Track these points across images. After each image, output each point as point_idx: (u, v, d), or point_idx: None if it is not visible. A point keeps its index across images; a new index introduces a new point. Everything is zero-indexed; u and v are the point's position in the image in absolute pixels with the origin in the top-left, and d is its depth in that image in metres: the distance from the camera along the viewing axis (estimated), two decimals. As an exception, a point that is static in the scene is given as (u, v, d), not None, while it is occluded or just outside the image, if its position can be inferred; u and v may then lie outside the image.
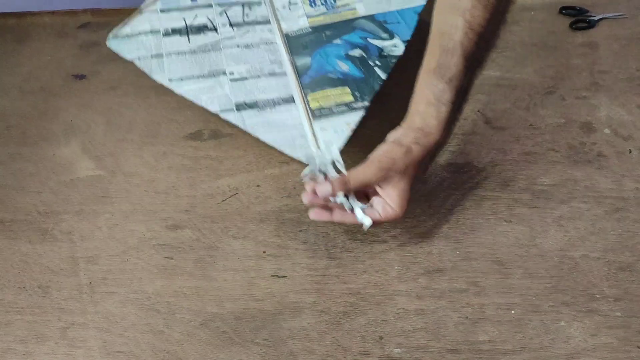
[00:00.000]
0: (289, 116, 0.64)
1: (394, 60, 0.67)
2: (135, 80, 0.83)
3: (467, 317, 0.54)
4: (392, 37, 0.68)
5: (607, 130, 0.70)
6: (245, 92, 0.65)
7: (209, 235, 0.63)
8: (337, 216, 0.57)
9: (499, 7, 0.54)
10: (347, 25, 0.70)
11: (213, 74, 0.66)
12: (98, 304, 0.58)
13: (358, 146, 0.62)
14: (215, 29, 0.69)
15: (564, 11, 0.87)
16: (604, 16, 0.85)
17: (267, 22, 0.70)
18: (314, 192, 0.56)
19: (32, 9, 0.98)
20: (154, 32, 0.69)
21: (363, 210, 0.56)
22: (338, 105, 0.63)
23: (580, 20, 0.85)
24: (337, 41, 0.68)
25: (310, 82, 0.65)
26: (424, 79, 0.56)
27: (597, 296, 0.55)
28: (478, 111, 0.73)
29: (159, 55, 0.67)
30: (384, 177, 0.55)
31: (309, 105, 0.63)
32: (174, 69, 0.67)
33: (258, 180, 0.68)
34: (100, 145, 0.75)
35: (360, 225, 0.57)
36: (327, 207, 0.57)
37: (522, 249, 0.59)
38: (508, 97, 0.75)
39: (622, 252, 0.58)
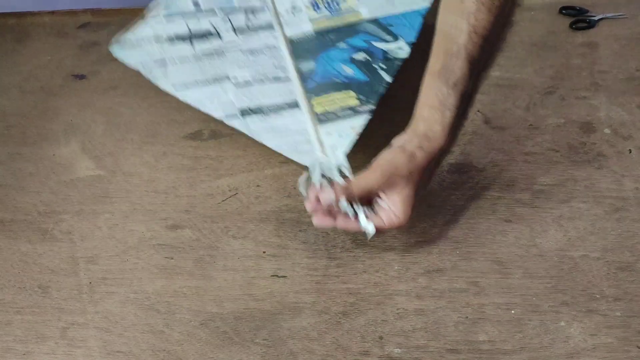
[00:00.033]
0: (293, 121, 0.63)
1: (399, 63, 0.66)
2: (135, 80, 0.83)
3: (467, 317, 0.54)
4: (396, 39, 0.68)
5: (607, 130, 0.70)
6: (249, 97, 0.65)
7: (208, 235, 0.63)
8: (341, 223, 0.56)
9: (504, 10, 0.53)
10: (351, 29, 0.70)
11: (217, 80, 0.65)
12: (98, 303, 0.58)
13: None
14: (219, 35, 0.69)
15: (564, 11, 0.87)
16: (604, 16, 0.85)
17: (271, 27, 0.70)
18: (317, 199, 0.55)
19: (32, 9, 0.98)
20: (157, 38, 0.69)
21: (366, 217, 0.55)
22: (343, 109, 0.63)
23: (580, 20, 0.85)
24: (341, 45, 0.68)
25: (314, 86, 0.65)
26: (428, 82, 0.55)
27: (597, 296, 0.55)
28: (478, 111, 0.73)
29: (162, 62, 0.67)
30: (388, 184, 0.54)
31: (313, 109, 0.63)
32: (178, 76, 0.66)
33: (258, 180, 0.68)
34: (100, 145, 0.75)
35: (364, 232, 0.56)
36: (330, 212, 0.57)
37: (522, 249, 0.59)
38: (508, 97, 0.75)
39: (621, 252, 0.58)
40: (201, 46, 0.68)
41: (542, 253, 0.58)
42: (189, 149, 0.73)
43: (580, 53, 0.80)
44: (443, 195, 0.64)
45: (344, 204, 0.55)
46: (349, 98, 0.63)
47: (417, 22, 0.69)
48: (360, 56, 0.66)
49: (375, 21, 0.70)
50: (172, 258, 0.62)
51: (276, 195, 0.66)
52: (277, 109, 0.64)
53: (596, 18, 0.85)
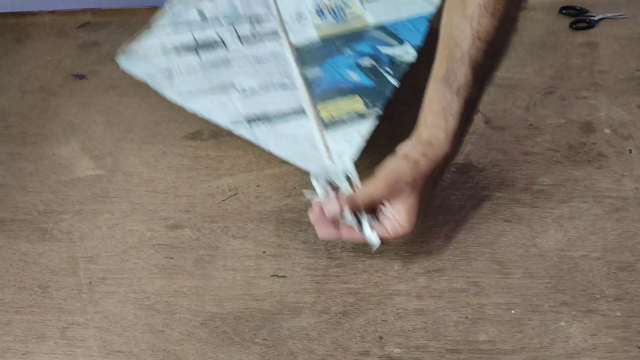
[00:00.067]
0: (300, 129, 0.63)
1: (405, 67, 0.66)
2: (135, 80, 0.83)
3: (467, 317, 0.54)
4: (402, 43, 0.67)
5: (607, 130, 0.70)
6: (256, 106, 0.65)
7: (208, 234, 0.63)
8: (345, 234, 0.56)
9: (508, 15, 0.52)
10: (357, 36, 0.69)
11: (223, 89, 0.65)
12: (98, 303, 0.58)
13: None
14: (225, 45, 0.69)
15: (564, 11, 0.87)
16: (604, 16, 0.85)
17: (276, 35, 0.70)
18: (321, 210, 0.55)
19: (32, 9, 0.98)
20: (163, 48, 0.69)
21: (371, 228, 0.55)
22: (349, 114, 0.62)
23: (580, 20, 0.85)
24: (347, 51, 0.67)
25: (320, 93, 0.65)
26: (432, 88, 0.54)
27: (597, 296, 0.55)
28: (478, 111, 0.73)
29: (168, 72, 0.67)
30: (392, 193, 0.54)
31: (319, 115, 0.63)
32: (184, 86, 0.66)
33: (258, 180, 0.68)
34: (100, 145, 0.75)
35: (368, 243, 0.56)
36: (334, 223, 0.56)
37: (522, 249, 0.59)
38: (508, 97, 0.75)
39: (622, 252, 0.58)
40: (207, 56, 0.68)
41: (542, 253, 0.58)
42: (189, 149, 0.73)
43: (580, 53, 0.80)
44: (443, 195, 0.64)
45: (348, 215, 0.54)
46: (355, 103, 0.63)
47: (423, 27, 0.69)
48: (366, 61, 0.66)
49: (381, 27, 0.70)
50: (172, 258, 0.61)
51: (276, 195, 0.66)
52: (284, 116, 0.63)
53: (596, 18, 0.85)
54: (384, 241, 0.55)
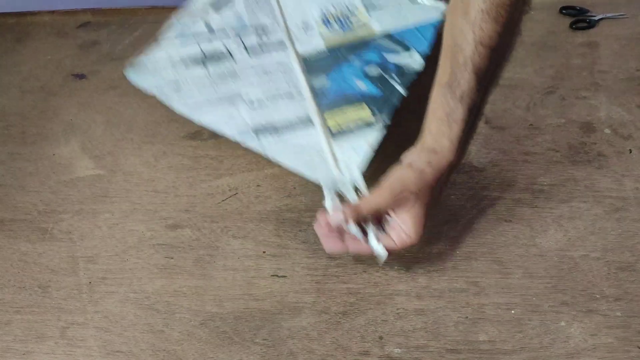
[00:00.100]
0: (308, 139, 0.62)
1: (413, 75, 0.65)
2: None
3: (467, 317, 0.54)
4: (409, 51, 0.67)
5: (607, 130, 0.70)
6: (263, 117, 0.64)
7: (208, 234, 0.63)
8: (351, 246, 0.55)
9: (511, 19, 0.51)
10: (364, 44, 0.69)
11: (231, 101, 0.65)
12: (98, 303, 0.58)
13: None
14: (232, 56, 0.69)
15: (564, 11, 0.87)
16: (604, 16, 0.85)
17: (283, 45, 0.69)
18: (327, 223, 0.54)
19: (32, 9, 0.98)
20: (171, 61, 0.69)
21: (377, 239, 0.54)
22: (356, 123, 0.62)
23: (580, 20, 0.85)
24: (354, 59, 0.67)
25: (327, 102, 0.64)
26: (435, 96, 0.54)
27: (597, 296, 0.55)
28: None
29: (177, 85, 0.67)
30: (397, 202, 0.53)
31: (326, 124, 0.62)
32: (192, 98, 0.66)
33: (258, 179, 0.68)
34: (100, 145, 0.75)
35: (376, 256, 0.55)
36: (341, 236, 0.55)
37: (522, 249, 0.59)
38: (508, 97, 0.75)
39: (622, 252, 0.58)
40: (214, 68, 0.68)
41: (542, 253, 0.58)
42: (189, 149, 0.73)
43: (580, 53, 0.80)
44: (443, 195, 0.64)
45: (352, 227, 0.54)
46: (362, 111, 0.63)
47: (430, 34, 0.68)
48: (373, 70, 0.65)
49: (388, 35, 0.69)
50: (172, 258, 0.61)
51: (276, 195, 0.66)
52: (291, 126, 0.63)
53: (596, 18, 0.85)
54: (391, 252, 0.55)
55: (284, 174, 0.68)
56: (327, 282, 0.58)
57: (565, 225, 0.60)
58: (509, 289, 0.56)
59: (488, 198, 0.64)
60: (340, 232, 0.55)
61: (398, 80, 0.64)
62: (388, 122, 0.62)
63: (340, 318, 0.55)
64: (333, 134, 0.61)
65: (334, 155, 0.60)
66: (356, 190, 0.57)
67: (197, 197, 0.67)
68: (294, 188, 0.66)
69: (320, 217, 0.55)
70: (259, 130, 0.62)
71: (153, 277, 0.60)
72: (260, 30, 0.70)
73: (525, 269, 0.57)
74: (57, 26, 0.95)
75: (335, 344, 0.53)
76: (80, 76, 0.86)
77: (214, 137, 0.73)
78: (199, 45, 0.70)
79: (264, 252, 0.61)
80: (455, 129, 0.52)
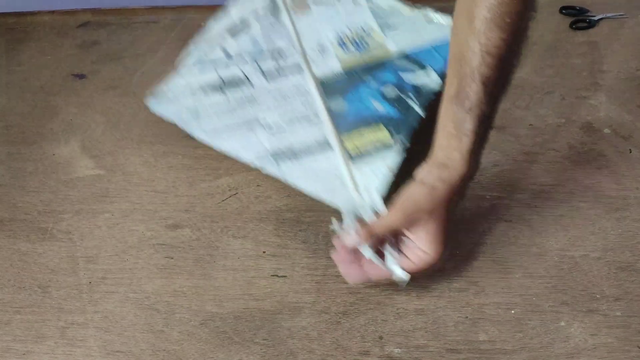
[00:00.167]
0: (327, 163, 0.62)
1: (430, 95, 0.64)
2: (135, 79, 0.83)
3: (467, 317, 0.54)
4: (425, 69, 0.66)
5: (607, 130, 0.70)
6: (282, 142, 0.64)
7: (208, 234, 0.63)
8: (371, 272, 0.53)
9: (518, 27, 0.49)
10: (380, 64, 0.68)
11: (249, 126, 0.65)
12: (97, 303, 0.58)
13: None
14: (250, 81, 0.69)
15: (564, 11, 0.87)
16: (604, 16, 0.85)
17: (300, 69, 0.69)
18: (344, 252, 0.53)
19: (32, 9, 0.98)
20: (190, 88, 0.69)
21: (395, 261, 0.53)
22: (375, 145, 0.61)
23: (580, 20, 0.85)
24: (370, 80, 0.66)
25: (345, 125, 0.64)
26: (444, 109, 0.52)
27: (597, 296, 0.55)
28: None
29: (196, 112, 0.67)
30: (411, 221, 0.52)
31: (344, 146, 0.62)
32: (211, 125, 0.66)
33: (258, 179, 0.68)
34: (100, 145, 0.75)
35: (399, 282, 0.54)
36: (359, 262, 0.54)
37: (522, 249, 0.59)
38: (508, 97, 0.74)
39: (622, 251, 0.58)
40: (233, 94, 0.68)
41: (542, 253, 0.58)
42: (189, 149, 0.73)
43: (580, 53, 0.80)
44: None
45: (366, 250, 0.53)
46: (380, 132, 0.62)
47: (447, 53, 0.68)
48: (390, 91, 0.65)
49: (404, 55, 0.68)
50: (171, 257, 0.61)
51: (276, 195, 0.66)
52: (309, 150, 0.62)
53: (596, 18, 0.85)
54: (412, 273, 0.53)
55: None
56: (327, 282, 0.58)
57: (565, 225, 0.60)
58: (509, 289, 0.56)
59: (488, 198, 0.64)
60: (359, 259, 0.53)
61: (415, 101, 0.63)
62: (407, 143, 0.61)
63: (340, 318, 0.55)
64: (352, 157, 0.61)
65: (353, 179, 0.59)
66: (376, 214, 0.56)
67: (197, 197, 0.67)
68: (294, 188, 0.66)
69: (336, 242, 0.54)
70: (277, 156, 0.62)
71: (153, 277, 0.60)
72: (277, 54, 0.70)
73: (525, 269, 0.57)
74: (57, 26, 0.95)
75: (335, 344, 0.53)
76: (80, 76, 0.86)
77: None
78: (216, 71, 0.70)
79: (264, 252, 0.61)
80: (465, 142, 0.51)
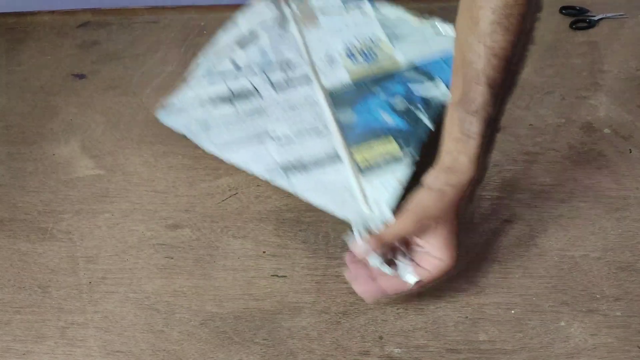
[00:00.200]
0: (336, 176, 0.61)
1: (439, 107, 0.64)
2: (135, 79, 0.83)
3: (467, 317, 0.54)
4: (434, 81, 0.66)
5: (607, 130, 0.70)
6: (291, 154, 0.64)
7: (208, 234, 0.63)
8: (385, 284, 0.52)
9: (524, 28, 0.49)
10: (388, 76, 0.68)
11: (259, 139, 0.65)
12: (97, 303, 0.58)
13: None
14: (259, 93, 0.69)
15: (564, 11, 0.87)
16: (604, 16, 0.85)
17: (308, 80, 0.69)
18: (356, 268, 0.53)
19: (32, 9, 0.98)
20: (199, 100, 0.69)
21: (408, 268, 0.52)
22: (384, 157, 0.60)
23: (580, 20, 0.85)
24: (379, 92, 0.66)
25: (355, 137, 0.63)
26: (450, 113, 0.52)
27: (597, 296, 0.55)
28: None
29: (206, 125, 0.67)
30: (421, 228, 0.51)
31: (354, 158, 0.62)
32: (221, 137, 0.66)
33: (258, 179, 0.68)
34: (100, 145, 0.75)
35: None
36: (372, 276, 0.53)
37: (522, 249, 0.59)
38: (508, 97, 0.75)
39: (622, 251, 0.58)
40: (242, 105, 0.68)
41: (542, 253, 0.58)
42: (189, 149, 0.72)
43: (580, 53, 0.80)
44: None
45: (374, 259, 0.52)
46: (389, 145, 0.61)
47: None
48: (399, 102, 0.64)
49: (413, 66, 0.68)
50: (171, 257, 0.61)
51: (276, 195, 0.66)
52: (319, 162, 0.62)
53: (596, 18, 0.85)
54: (429, 283, 0.52)
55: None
56: (327, 282, 0.58)
57: (565, 225, 0.60)
58: (509, 289, 0.56)
59: (488, 198, 0.64)
60: (373, 275, 0.53)
61: (424, 113, 0.63)
62: (416, 156, 0.61)
63: (340, 318, 0.55)
64: (361, 170, 0.60)
65: (363, 192, 0.59)
66: (386, 226, 0.56)
67: (197, 197, 0.67)
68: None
69: (348, 260, 0.53)
70: (287, 168, 0.62)
71: (153, 277, 0.60)
72: (285, 66, 0.70)
73: (525, 269, 0.57)
74: (57, 26, 0.95)
75: (335, 344, 0.53)
76: (80, 76, 0.86)
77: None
78: (226, 83, 0.70)
79: (264, 252, 0.61)
80: (472, 145, 0.50)
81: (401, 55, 0.69)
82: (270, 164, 0.63)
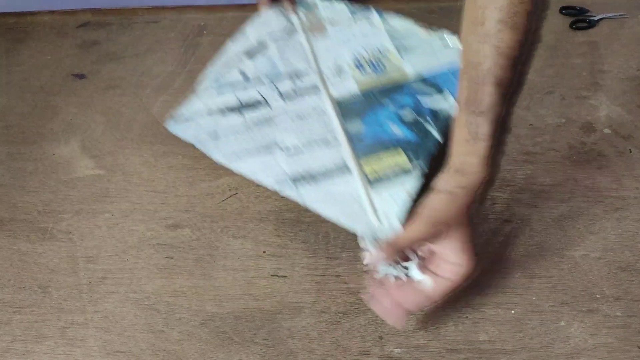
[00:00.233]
0: (346, 187, 0.61)
1: (448, 121, 0.63)
2: (135, 80, 0.83)
3: (467, 317, 0.54)
4: (443, 94, 0.66)
5: (607, 130, 0.70)
6: (300, 164, 0.64)
7: (208, 234, 0.63)
8: (404, 298, 0.51)
9: (530, 26, 0.48)
10: (397, 87, 0.68)
11: (268, 149, 0.65)
12: (97, 303, 0.58)
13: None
14: (267, 102, 0.69)
15: (564, 11, 0.87)
16: (604, 16, 0.85)
17: (317, 89, 0.69)
18: (375, 287, 0.52)
19: (32, 9, 0.98)
20: (208, 110, 0.69)
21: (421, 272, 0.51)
22: (393, 170, 0.60)
23: (580, 20, 0.85)
24: (388, 103, 0.66)
25: (364, 148, 0.63)
26: (458, 115, 0.51)
27: (597, 296, 0.55)
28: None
29: (215, 135, 0.67)
30: (435, 233, 0.50)
31: (363, 170, 0.62)
32: (231, 147, 0.66)
33: (258, 179, 0.68)
34: (100, 145, 0.75)
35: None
36: (390, 295, 0.51)
37: (522, 249, 0.59)
38: (508, 97, 0.75)
39: (622, 251, 0.58)
40: (250, 115, 0.68)
41: (542, 253, 0.58)
42: (189, 149, 0.72)
43: (580, 53, 0.80)
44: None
45: (384, 269, 0.51)
46: (398, 157, 0.61)
47: None
48: (408, 114, 0.64)
49: (421, 78, 0.68)
50: (171, 258, 0.61)
51: (276, 195, 0.66)
52: (328, 173, 0.62)
53: (596, 18, 0.85)
54: (452, 292, 0.50)
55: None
56: (327, 282, 0.58)
57: (565, 225, 0.60)
58: (509, 289, 0.56)
59: (488, 198, 0.64)
60: (389, 290, 0.51)
61: (433, 125, 0.63)
62: (425, 169, 0.61)
63: (340, 318, 0.55)
64: (370, 181, 0.60)
65: (372, 204, 0.59)
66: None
67: (197, 197, 0.67)
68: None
69: (367, 280, 0.52)
70: (296, 179, 0.62)
71: (153, 277, 0.60)
72: (294, 75, 0.70)
73: (525, 269, 0.57)
74: (57, 26, 0.95)
75: (335, 344, 0.53)
76: (80, 76, 0.86)
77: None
78: (234, 93, 0.70)
79: (264, 252, 0.61)
80: (481, 146, 0.50)
81: (409, 67, 0.69)
82: (279, 175, 0.63)
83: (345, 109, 0.67)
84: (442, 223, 0.50)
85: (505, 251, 0.59)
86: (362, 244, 0.54)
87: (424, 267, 0.51)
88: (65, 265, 0.62)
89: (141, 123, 0.77)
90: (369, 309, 0.55)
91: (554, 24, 0.85)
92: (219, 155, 0.66)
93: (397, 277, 0.52)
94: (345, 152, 0.63)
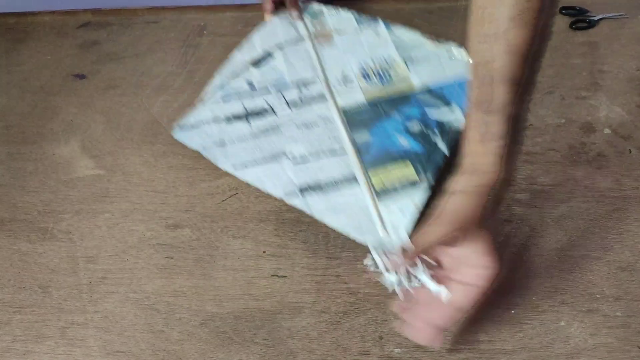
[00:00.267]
0: (354, 198, 0.61)
1: (455, 133, 0.63)
2: (135, 80, 0.83)
3: (467, 317, 0.54)
4: (450, 106, 0.66)
5: (607, 130, 0.70)
6: (307, 174, 0.63)
7: (208, 234, 0.63)
8: (430, 314, 0.49)
9: (540, 23, 0.48)
10: (404, 98, 0.68)
11: (275, 158, 0.65)
12: (97, 303, 0.58)
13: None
14: (274, 111, 0.69)
15: (564, 11, 0.87)
16: (604, 16, 0.85)
17: (323, 98, 0.69)
18: (402, 304, 0.51)
19: (32, 9, 0.98)
20: (215, 119, 0.70)
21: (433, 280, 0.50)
22: (401, 182, 0.60)
23: (580, 20, 0.85)
24: (395, 114, 0.66)
25: (371, 159, 0.63)
26: (470, 116, 0.50)
27: (597, 296, 0.55)
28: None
29: (222, 143, 0.67)
30: (454, 237, 0.48)
31: (371, 182, 0.62)
32: (237, 156, 0.66)
33: (258, 179, 0.68)
34: (100, 145, 0.75)
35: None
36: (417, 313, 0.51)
37: (522, 249, 0.59)
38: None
39: (622, 251, 0.58)
40: (257, 123, 0.68)
41: (542, 253, 0.58)
42: (189, 149, 0.73)
43: (580, 53, 0.80)
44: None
45: (401, 281, 0.51)
46: (406, 169, 0.61)
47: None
48: (415, 126, 0.64)
49: (428, 90, 0.68)
50: (171, 258, 0.61)
51: (276, 195, 0.66)
52: (336, 184, 0.62)
53: (596, 18, 0.85)
54: (480, 299, 0.49)
55: (284, 174, 0.68)
56: (327, 282, 0.58)
57: (565, 225, 0.60)
58: (509, 289, 0.56)
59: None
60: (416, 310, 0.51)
61: (440, 137, 0.63)
62: (432, 181, 0.61)
63: (340, 318, 0.55)
64: (378, 193, 0.60)
65: (380, 215, 0.59)
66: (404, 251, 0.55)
67: (197, 197, 0.67)
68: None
69: (395, 307, 0.51)
70: (304, 189, 0.62)
71: (153, 277, 0.60)
72: (301, 84, 0.71)
73: (525, 269, 0.57)
74: (57, 26, 0.95)
75: (335, 344, 0.53)
76: (80, 76, 0.86)
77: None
78: (241, 102, 0.70)
79: (264, 252, 0.61)
80: (495, 145, 0.48)
81: (416, 78, 0.69)
82: (286, 184, 0.63)
83: (352, 118, 0.67)
84: (460, 223, 0.48)
85: (505, 251, 0.59)
86: (371, 256, 0.54)
87: (448, 278, 0.50)
88: (65, 265, 0.62)
89: (141, 123, 0.77)
90: (369, 309, 0.55)
91: (554, 24, 0.85)
92: (225, 163, 0.66)
93: (414, 289, 0.51)
94: (352, 162, 0.63)
